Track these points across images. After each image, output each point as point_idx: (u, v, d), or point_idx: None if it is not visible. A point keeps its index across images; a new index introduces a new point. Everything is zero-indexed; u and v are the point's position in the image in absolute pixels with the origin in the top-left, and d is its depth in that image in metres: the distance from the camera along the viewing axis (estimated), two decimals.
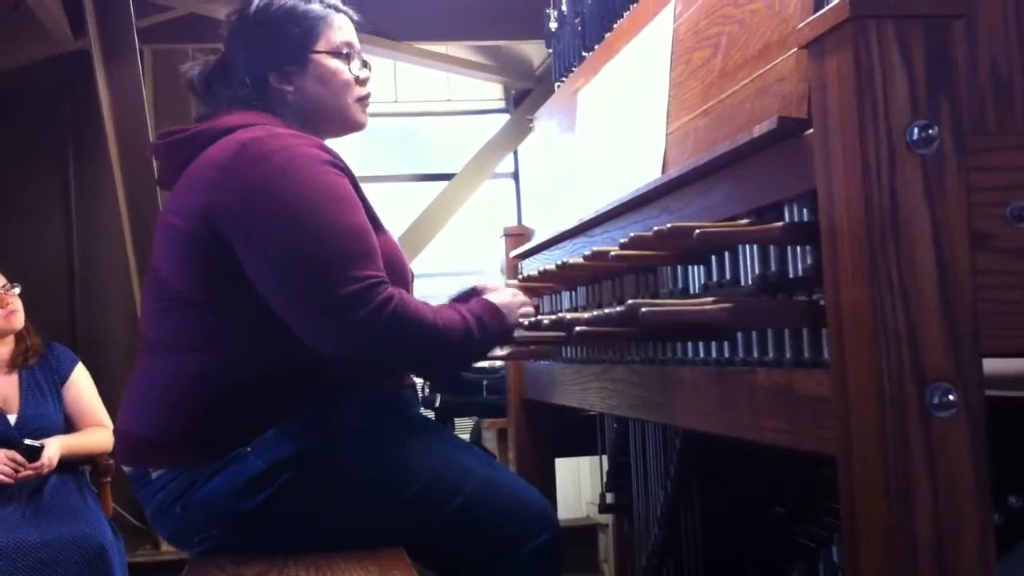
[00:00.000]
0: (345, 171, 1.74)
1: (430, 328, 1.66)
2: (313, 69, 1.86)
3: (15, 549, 2.94)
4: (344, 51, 1.88)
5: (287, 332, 1.66)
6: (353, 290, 1.60)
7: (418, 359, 1.75)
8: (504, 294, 1.85)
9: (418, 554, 1.79)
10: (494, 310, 1.78)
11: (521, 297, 1.87)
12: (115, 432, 1.86)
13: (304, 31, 1.86)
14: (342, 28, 1.90)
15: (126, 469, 1.84)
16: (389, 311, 1.61)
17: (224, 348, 1.72)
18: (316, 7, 1.88)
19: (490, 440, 4.12)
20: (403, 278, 1.80)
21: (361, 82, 1.91)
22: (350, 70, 1.89)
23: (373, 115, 1.98)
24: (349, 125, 1.92)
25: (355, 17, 1.95)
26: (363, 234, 1.67)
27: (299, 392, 1.74)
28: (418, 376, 1.95)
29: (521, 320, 1.83)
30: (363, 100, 1.92)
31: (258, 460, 1.70)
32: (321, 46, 1.86)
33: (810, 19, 1.07)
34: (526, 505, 1.82)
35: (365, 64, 1.93)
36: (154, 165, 4.48)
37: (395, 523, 1.77)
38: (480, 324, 1.74)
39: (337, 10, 1.91)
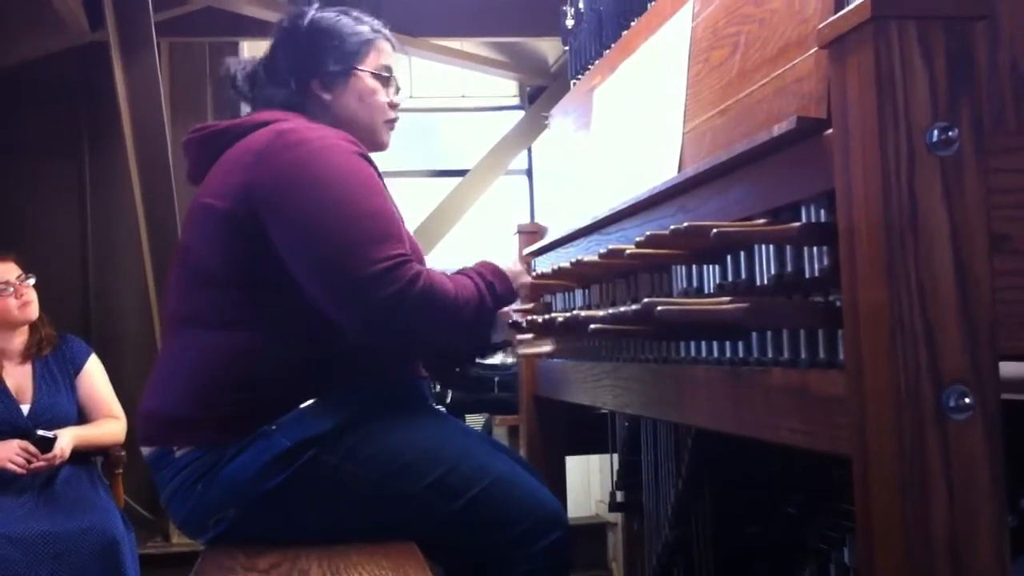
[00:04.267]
0: (372, 164, 1.84)
1: (453, 302, 1.75)
2: (354, 84, 1.98)
3: (27, 540, 2.96)
4: (385, 74, 2.01)
5: (315, 312, 1.73)
6: (382, 268, 1.67)
7: (443, 334, 1.82)
8: (508, 262, 1.96)
9: (429, 545, 1.81)
10: (501, 274, 1.89)
11: (523, 271, 1.99)
12: (139, 414, 1.88)
13: (354, 48, 1.98)
14: (386, 53, 2.03)
15: (146, 451, 1.86)
16: (417, 288, 1.69)
17: (253, 325, 1.77)
18: (366, 29, 2.01)
19: (501, 437, 4.12)
20: None
21: (393, 106, 2.03)
22: (386, 93, 2.01)
23: None
24: (374, 143, 2.01)
25: (396, 45, 2.07)
26: (391, 217, 1.77)
27: (326, 372, 1.80)
28: (435, 354, 2.03)
29: (521, 289, 1.95)
30: (391, 122, 2.05)
31: (283, 438, 1.74)
32: (366, 65, 1.98)
33: (831, 19, 1.07)
34: (537, 503, 1.84)
35: (398, 90, 2.05)
36: (170, 159, 4.54)
37: (409, 511, 1.79)
38: (491, 288, 1.85)
39: (386, 37, 2.04)
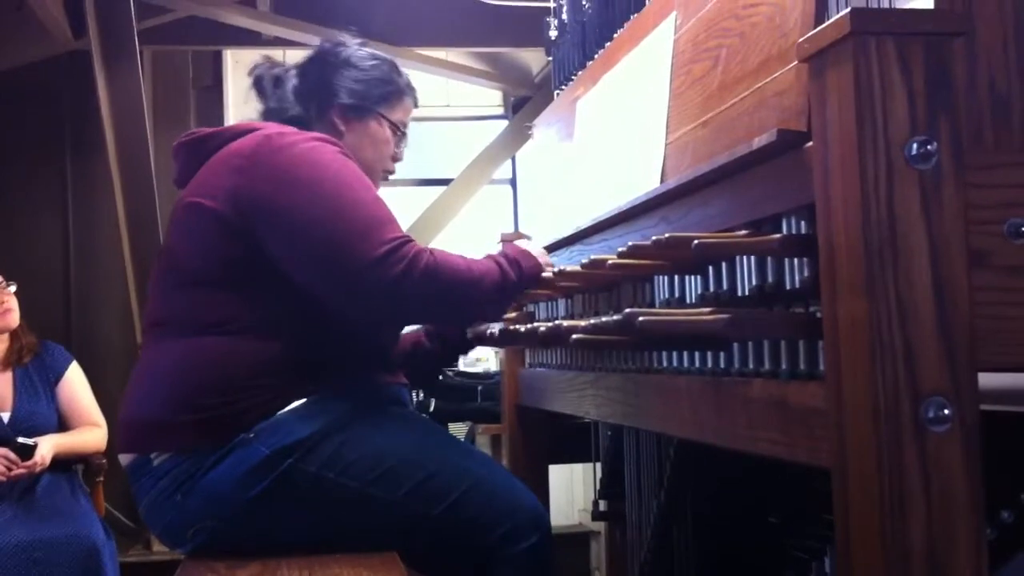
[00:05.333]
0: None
1: (465, 274, 1.76)
2: (373, 125, 2.03)
3: (6, 548, 2.94)
4: (402, 129, 2.07)
5: (299, 315, 1.76)
6: (385, 250, 1.70)
7: (457, 305, 1.82)
8: (532, 244, 1.99)
9: (411, 551, 1.81)
10: (525, 252, 1.90)
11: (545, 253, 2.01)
12: (118, 421, 1.87)
13: (385, 93, 2.04)
14: (408, 111, 2.09)
15: (125, 460, 1.85)
16: (424, 263, 1.71)
17: (235, 328, 1.78)
18: (402, 81, 2.08)
19: (483, 446, 4.12)
20: None
21: (395, 159, 2.08)
22: (394, 145, 2.06)
23: None
24: None
25: (416, 105, 2.14)
26: (383, 204, 1.80)
27: (305, 378, 1.80)
28: (460, 324, 2.13)
29: (547, 268, 1.93)
30: (387, 173, 2.10)
31: (261, 446, 1.73)
32: (389, 113, 2.04)
33: (811, 34, 1.08)
34: (518, 506, 1.85)
35: (404, 148, 2.11)
36: (152, 167, 4.52)
37: (390, 518, 1.79)
38: (514, 264, 1.85)
39: (413, 98, 2.11)
